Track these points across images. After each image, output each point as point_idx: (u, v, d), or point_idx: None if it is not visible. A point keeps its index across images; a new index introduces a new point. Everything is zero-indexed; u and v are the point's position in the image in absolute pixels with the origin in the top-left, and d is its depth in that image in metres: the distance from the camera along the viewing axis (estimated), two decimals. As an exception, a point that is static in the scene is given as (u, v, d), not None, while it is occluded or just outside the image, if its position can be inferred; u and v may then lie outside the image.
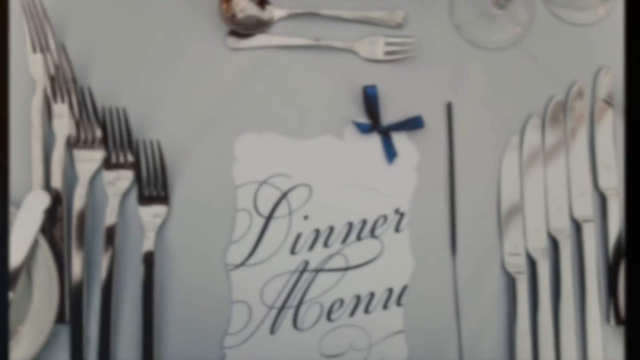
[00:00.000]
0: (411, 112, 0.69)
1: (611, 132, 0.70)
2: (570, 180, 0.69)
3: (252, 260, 0.66)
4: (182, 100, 0.69)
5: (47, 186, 0.65)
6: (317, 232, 0.67)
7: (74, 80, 0.66)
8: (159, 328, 0.64)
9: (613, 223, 0.68)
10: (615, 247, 0.67)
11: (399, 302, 0.66)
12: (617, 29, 0.71)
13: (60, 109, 0.67)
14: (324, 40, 0.70)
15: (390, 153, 0.68)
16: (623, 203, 0.68)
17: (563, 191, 0.69)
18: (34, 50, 0.67)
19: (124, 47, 0.70)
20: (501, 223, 0.68)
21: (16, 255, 0.62)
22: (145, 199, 0.66)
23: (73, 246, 0.64)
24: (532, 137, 0.70)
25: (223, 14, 0.70)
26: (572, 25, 0.72)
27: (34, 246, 0.62)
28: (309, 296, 0.66)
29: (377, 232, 0.67)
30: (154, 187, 0.66)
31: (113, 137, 0.66)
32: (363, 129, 0.68)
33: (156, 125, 0.68)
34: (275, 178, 0.68)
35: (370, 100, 0.68)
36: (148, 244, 0.65)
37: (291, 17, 0.71)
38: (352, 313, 0.66)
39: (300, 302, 0.66)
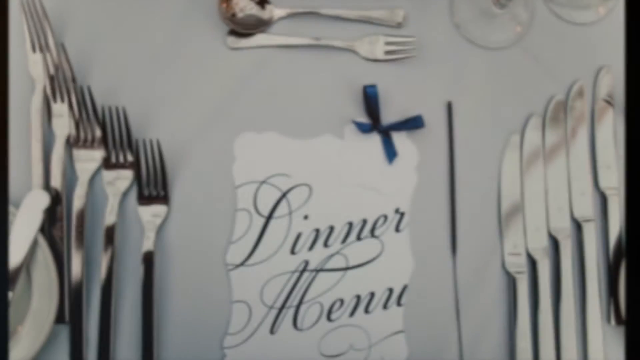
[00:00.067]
0: (411, 112, 0.69)
1: (612, 131, 0.70)
2: (570, 180, 0.69)
3: (252, 260, 0.66)
4: (181, 100, 0.69)
5: (47, 186, 0.65)
6: (317, 231, 0.67)
7: (74, 80, 0.66)
8: (158, 328, 0.64)
9: (613, 223, 0.68)
10: (615, 247, 0.67)
11: (399, 302, 0.66)
12: (618, 28, 0.71)
13: (60, 109, 0.66)
14: (324, 40, 0.70)
15: (391, 153, 0.68)
16: (623, 203, 0.68)
17: (563, 191, 0.69)
18: (34, 49, 0.67)
19: (123, 46, 0.69)
20: (501, 223, 0.68)
21: (16, 255, 0.62)
22: (144, 199, 0.66)
23: (73, 246, 0.64)
24: (533, 136, 0.69)
25: (223, 13, 0.69)
26: (573, 25, 0.72)
27: (34, 246, 0.62)
28: (309, 296, 0.66)
29: (377, 232, 0.67)
30: (153, 187, 0.66)
31: (113, 136, 0.66)
32: (363, 128, 0.68)
33: (156, 124, 0.68)
34: (275, 178, 0.68)
35: (370, 99, 0.68)
36: (148, 244, 0.65)
37: (291, 16, 0.71)
38: (352, 313, 0.66)
39: (300, 302, 0.66)
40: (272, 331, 0.66)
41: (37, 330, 0.62)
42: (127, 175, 0.66)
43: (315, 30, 0.70)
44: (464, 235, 0.68)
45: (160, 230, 0.66)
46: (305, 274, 0.66)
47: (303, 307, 0.66)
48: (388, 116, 0.69)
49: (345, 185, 0.68)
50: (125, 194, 0.66)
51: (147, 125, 0.68)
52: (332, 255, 0.67)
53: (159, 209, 0.66)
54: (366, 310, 0.66)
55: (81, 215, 0.65)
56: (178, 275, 0.66)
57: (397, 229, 0.67)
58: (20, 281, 0.62)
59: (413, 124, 0.68)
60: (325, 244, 0.67)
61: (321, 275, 0.66)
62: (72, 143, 0.66)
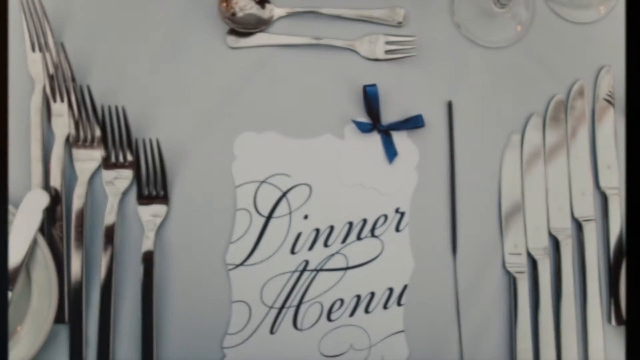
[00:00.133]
0: (411, 111, 0.69)
1: (612, 131, 0.70)
2: (571, 180, 0.69)
3: (252, 259, 0.66)
4: (181, 100, 0.69)
5: (46, 185, 0.65)
6: (317, 231, 0.67)
7: (73, 79, 0.66)
8: (158, 328, 0.64)
9: (614, 222, 0.68)
10: (616, 247, 0.67)
11: (399, 302, 0.66)
12: (618, 27, 0.71)
13: (60, 108, 0.66)
14: (324, 39, 0.70)
15: (391, 152, 0.68)
16: (624, 202, 0.68)
17: (564, 190, 0.69)
18: (33, 49, 0.67)
19: (123, 46, 0.69)
20: (502, 222, 0.68)
21: (15, 255, 0.61)
22: (144, 199, 0.66)
23: (72, 246, 0.64)
24: (533, 136, 0.69)
25: (223, 12, 0.69)
26: (573, 24, 0.72)
27: (33, 246, 0.62)
28: (309, 296, 0.66)
29: (378, 231, 0.67)
30: (153, 187, 0.66)
31: (112, 136, 0.66)
32: (363, 128, 0.68)
33: (155, 124, 0.68)
34: (275, 177, 0.67)
35: (370, 99, 0.67)
36: (147, 244, 0.65)
37: (291, 15, 0.70)
38: (352, 313, 0.66)
39: (300, 302, 0.66)
40: (272, 331, 0.65)
41: (36, 330, 0.62)
42: (126, 174, 0.66)
43: (315, 30, 0.70)
44: (464, 235, 0.68)
45: (160, 230, 0.66)
46: (305, 274, 0.66)
47: (303, 307, 0.66)
48: (388, 116, 0.69)
49: (345, 184, 0.68)
50: (124, 194, 0.66)
51: (147, 124, 0.68)
52: (332, 255, 0.67)
53: (158, 209, 0.66)
54: (366, 310, 0.66)
55: (81, 215, 0.65)
56: (178, 275, 0.66)
57: (397, 229, 0.67)
58: (19, 281, 0.62)
59: (413, 123, 0.68)
60: (325, 244, 0.67)
61: (321, 275, 0.66)
62: (71, 142, 0.66)
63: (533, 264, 0.67)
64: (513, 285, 0.67)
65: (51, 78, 0.66)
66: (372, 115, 0.68)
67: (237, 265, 0.66)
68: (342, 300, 0.66)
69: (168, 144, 0.67)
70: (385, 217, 0.67)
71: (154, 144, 0.65)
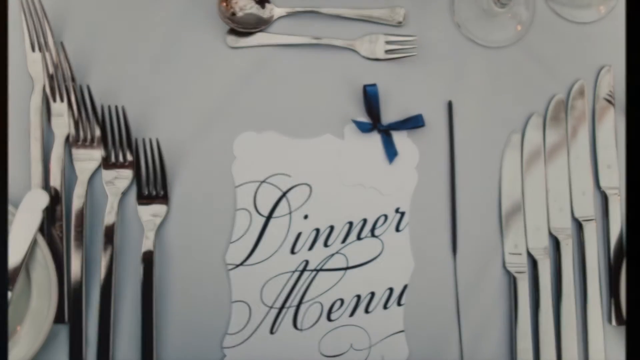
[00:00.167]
0: (412, 111, 0.69)
1: (612, 131, 0.70)
2: (571, 179, 0.69)
3: (252, 259, 0.66)
4: (181, 99, 0.69)
5: (46, 185, 0.65)
6: (317, 231, 0.67)
7: (73, 79, 0.66)
8: (158, 328, 0.64)
9: (614, 222, 0.68)
10: (616, 247, 0.67)
11: (399, 302, 0.66)
12: (619, 27, 0.71)
13: (59, 108, 0.66)
14: (324, 39, 0.70)
15: (391, 152, 0.68)
16: (624, 202, 0.68)
17: (564, 190, 0.68)
18: (33, 48, 0.67)
19: (123, 46, 0.69)
20: (502, 222, 0.68)
21: (15, 255, 0.61)
22: (144, 198, 0.66)
23: (72, 246, 0.64)
24: (533, 135, 0.69)
25: (222, 12, 0.69)
26: (573, 24, 0.72)
27: (33, 245, 0.62)
28: (308, 296, 0.66)
29: (378, 231, 0.67)
30: (153, 187, 0.66)
31: (112, 136, 0.66)
32: (363, 127, 0.68)
33: (155, 124, 0.68)
34: (275, 177, 0.67)
35: (370, 99, 0.67)
36: (147, 244, 0.65)
37: (291, 15, 0.70)
38: (352, 313, 0.66)
39: (300, 302, 0.66)
40: (272, 331, 0.65)
41: (36, 330, 0.61)
42: (126, 174, 0.66)
43: (315, 29, 0.70)
44: (464, 235, 0.67)
45: (159, 229, 0.66)
46: (305, 274, 0.66)
47: (303, 307, 0.66)
48: (388, 115, 0.69)
49: (345, 184, 0.68)
50: (124, 194, 0.66)
51: (147, 124, 0.68)
52: (332, 255, 0.67)
53: (158, 209, 0.66)
54: (366, 310, 0.66)
55: (80, 215, 0.65)
56: (178, 275, 0.66)
57: (397, 229, 0.67)
58: (19, 281, 0.62)
59: (413, 123, 0.68)
60: (326, 244, 0.67)
61: (321, 275, 0.66)
62: (71, 142, 0.66)
63: (533, 263, 0.67)
64: (513, 285, 0.66)
65: (51, 78, 0.66)
66: (372, 115, 0.68)
67: (237, 265, 0.66)
68: (342, 300, 0.66)
69: (168, 144, 0.67)
70: (385, 217, 0.67)
71: (154, 143, 0.65)
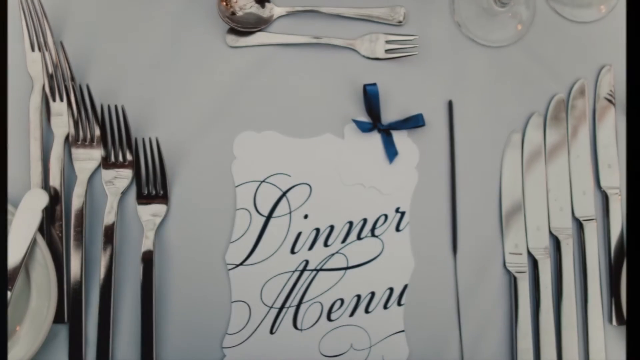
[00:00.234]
0: (412, 111, 0.69)
1: (613, 130, 0.70)
2: (572, 179, 0.69)
3: (252, 259, 0.66)
4: (181, 99, 0.69)
5: (46, 185, 0.65)
6: (317, 231, 0.67)
7: (73, 79, 0.66)
8: (158, 328, 0.64)
9: (615, 222, 0.68)
10: (617, 247, 0.67)
11: (399, 302, 0.66)
12: (619, 26, 0.71)
13: (59, 108, 0.66)
14: (324, 38, 0.69)
15: (391, 152, 0.68)
16: (625, 202, 0.68)
17: (565, 190, 0.68)
18: (33, 48, 0.67)
19: (122, 45, 0.69)
20: (502, 222, 0.68)
21: (14, 255, 0.61)
22: (144, 198, 0.66)
23: (72, 245, 0.64)
24: (534, 135, 0.69)
25: (222, 11, 0.69)
26: (574, 23, 0.72)
27: (32, 245, 0.62)
28: (309, 296, 0.66)
29: (378, 231, 0.67)
30: (153, 186, 0.66)
31: (112, 135, 0.66)
32: (363, 127, 0.68)
33: (155, 123, 0.68)
34: (275, 177, 0.67)
35: (370, 98, 0.67)
36: (147, 243, 0.64)
37: (291, 14, 0.70)
38: (353, 313, 0.66)
39: (300, 302, 0.66)
40: (271, 331, 0.65)
41: (36, 330, 0.61)
42: (126, 174, 0.66)
43: (315, 29, 0.70)
44: (464, 235, 0.67)
45: (159, 229, 0.66)
46: (305, 274, 0.66)
47: (303, 307, 0.66)
48: (388, 115, 0.69)
49: (345, 184, 0.68)
50: (124, 193, 0.66)
51: (147, 124, 0.68)
52: (332, 255, 0.66)
53: (158, 208, 0.66)
54: (366, 310, 0.66)
55: (80, 215, 0.65)
56: (177, 275, 0.66)
57: (397, 229, 0.67)
58: (19, 281, 0.62)
59: (414, 122, 0.68)
60: (326, 244, 0.67)
61: (321, 274, 0.66)
62: (71, 142, 0.66)
63: (534, 263, 0.67)
64: (514, 285, 0.66)
65: (50, 77, 0.66)
66: (372, 114, 0.68)
67: (237, 265, 0.66)
68: (342, 300, 0.66)
69: (168, 143, 0.66)
70: (386, 216, 0.67)
71: (153, 143, 0.65)
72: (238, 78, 0.69)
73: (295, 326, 0.65)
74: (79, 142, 0.66)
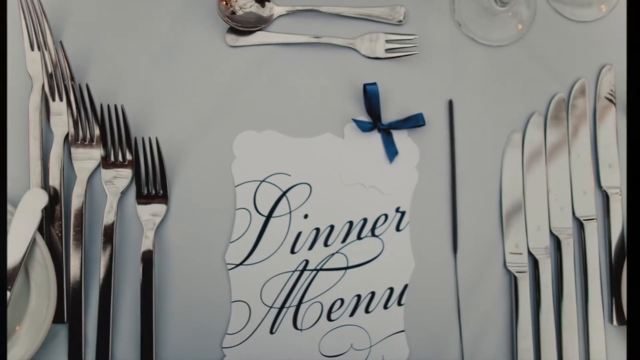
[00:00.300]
0: (412, 110, 0.69)
1: (614, 130, 0.69)
2: (572, 179, 0.69)
3: (252, 259, 0.66)
4: (181, 98, 0.68)
5: (45, 185, 0.65)
6: (317, 231, 0.67)
7: (72, 78, 0.66)
8: (157, 328, 0.64)
9: (615, 222, 0.68)
10: (617, 246, 0.67)
11: (399, 302, 0.66)
12: (620, 26, 0.71)
13: (58, 107, 0.66)
14: (324, 38, 0.69)
15: (391, 151, 0.68)
16: (625, 201, 0.68)
17: (565, 189, 0.68)
18: (32, 47, 0.67)
19: (122, 44, 0.69)
20: (503, 222, 0.68)
21: (14, 254, 0.61)
22: (143, 198, 0.66)
23: (71, 245, 0.64)
24: (534, 134, 0.69)
25: (222, 11, 0.69)
26: (575, 22, 0.71)
27: (32, 245, 0.62)
28: (309, 295, 0.66)
29: (378, 231, 0.67)
30: (152, 186, 0.66)
31: (111, 135, 0.65)
32: (363, 127, 0.68)
33: (155, 123, 0.68)
34: (275, 176, 0.67)
35: (370, 97, 0.67)
36: (147, 243, 0.64)
37: (291, 14, 0.70)
38: (353, 313, 0.66)
39: (300, 302, 0.66)
40: (271, 331, 0.65)
41: (35, 329, 0.61)
42: (126, 174, 0.66)
43: (315, 28, 0.70)
44: (465, 235, 0.67)
45: (159, 229, 0.66)
46: (305, 274, 0.66)
47: (303, 307, 0.66)
48: (389, 114, 0.69)
49: (345, 184, 0.68)
50: (124, 193, 0.66)
51: (146, 123, 0.68)
52: (332, 255, 0.66)
53: (158, 208, 0.66)
54: (366, 310, 0.66)
55: (80, 215, 0.64)
56: (177, 275, 0.65)
57: (397, 228, 0.67)
58: (18, 280, 0.62)
59: (414, 122, 0.68)
60: (326, 243, 0.67)
61: (321, 274, 0.66)
62: (70, 141, 0.66)
63: (534, 263, 0.67)
64: (514, 285, 0.66)
65: (50, 77, 0.66)
66: (372, 114, 0.68)
67: (237, 265, 0.66)
68: (342, 300, 0.66)
69: (167, 143, 0.66)
70: (386, 216, 0.67)
71: (153, 142, 0.65)
72: (238, 77, 0.69)
73: (295, 326, 0.65)
74: (79, 142, 0.66)
